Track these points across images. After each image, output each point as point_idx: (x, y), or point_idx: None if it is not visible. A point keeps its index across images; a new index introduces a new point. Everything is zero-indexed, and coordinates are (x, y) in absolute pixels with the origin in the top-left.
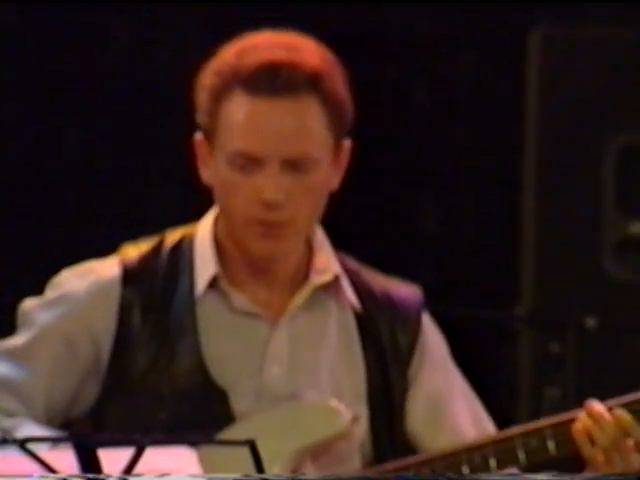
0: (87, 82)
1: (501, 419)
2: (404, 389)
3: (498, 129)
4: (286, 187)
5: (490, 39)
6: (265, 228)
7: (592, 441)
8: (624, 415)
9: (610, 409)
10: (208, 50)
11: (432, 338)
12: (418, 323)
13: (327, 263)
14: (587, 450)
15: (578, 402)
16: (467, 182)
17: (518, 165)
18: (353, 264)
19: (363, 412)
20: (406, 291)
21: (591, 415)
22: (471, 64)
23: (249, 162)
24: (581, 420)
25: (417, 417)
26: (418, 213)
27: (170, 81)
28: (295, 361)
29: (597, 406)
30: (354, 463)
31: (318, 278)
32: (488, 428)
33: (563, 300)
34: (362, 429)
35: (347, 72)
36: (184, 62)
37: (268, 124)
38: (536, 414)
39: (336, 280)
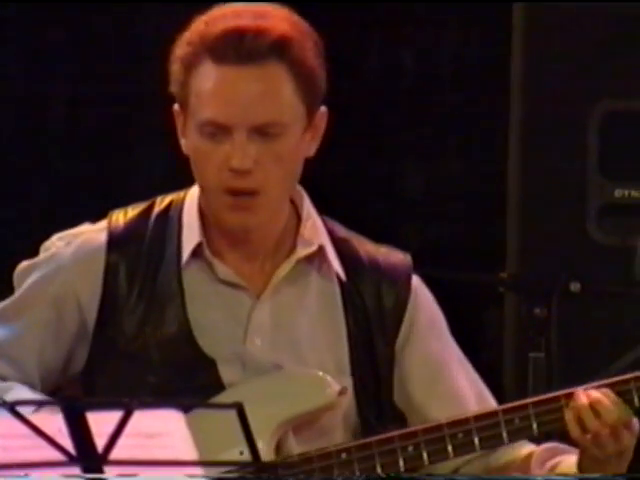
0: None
1: (487, 382)
2: (390, 358)
3: (484, 97)
4: (254, 155)
5: (476, 7)
6: (235, 199)
7: (584, 427)
8: (619, 401)
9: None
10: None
11: (425, 303)
12: (407, 288)
13: (313, 233)
14: (577, 434)
15: (562, 366)
16: (453, 148)
17: (503, 132)
18: (342, 232)
19: (347, 384)
20: (396, 257)
21: (588, 401)
22: (457, 32)
23: (218, 130)
24: (575, 407)
25: (413, 384)
26: (404, 179)
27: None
28: (277, 334)
29: (594, 393)
30: (336, 436)
31: (302, 250)
32: (486, 394)
33: (548, 265)
34: (346, 401)
35: (332, 41)
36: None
37: (234, 92)
38: (521, 378)
39: (320, 251)
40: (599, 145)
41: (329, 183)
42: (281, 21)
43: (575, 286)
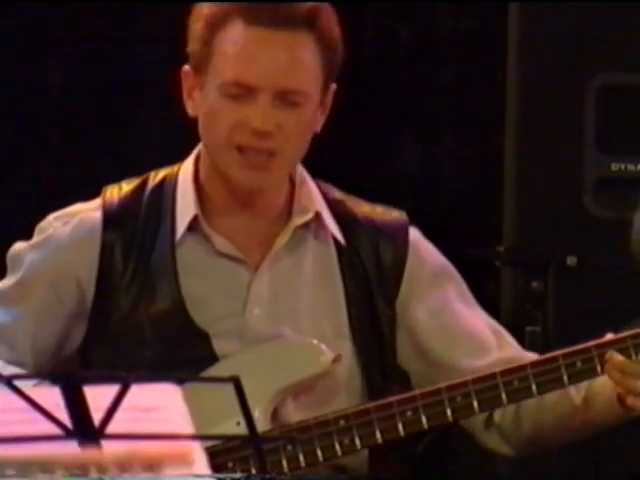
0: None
1: None
2: (392, 316)
3: (481, 71)
4: (277, 118)
5: None
6: (252, 157)
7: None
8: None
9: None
10: None
11: (425, 256)
12: (405, 242)
13: (309, 199)
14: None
15: (559, 339)
16: (450, 122)
17: (500, 106)
18: (337, 194)
19: (347, 349)
20: (391, 215)
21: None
22: (454, 8)
23: (242, 91)
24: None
25: (430, 337)
26: (402, 153)
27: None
28: (275, 303)
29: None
30: (337, 403)
31: (299, 218)
32: (502, 331)
33: (544, 238)
34: (347, 367)
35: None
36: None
37: (265, 55)
38: None
39: (317, 217)
40: (595, 119)
41: (328, 159)
42: None
43: (571, 260)
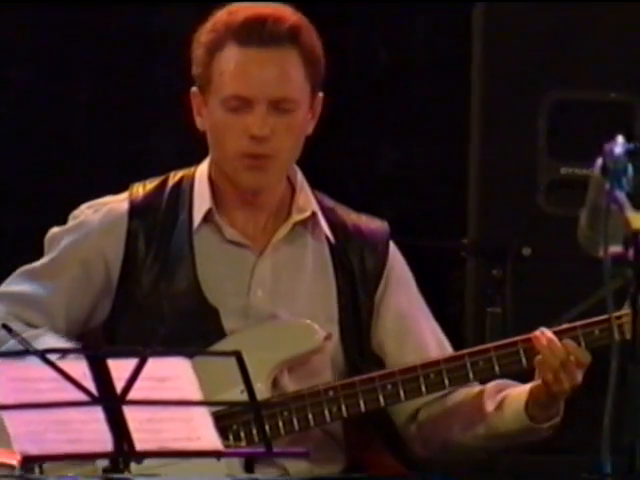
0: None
1: (451, 333)
2: (370, 309)
3: (448, 87)
4: (271, 124)
5: (442, 9)
6: (252, 160)
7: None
8: (569, 340)
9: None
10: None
11: (398, 265)
12: (385, 251)
13: (306, 202)
14: (543, 371)
15: (515, 319)
16: (421, 131)
17: (465, 117)
18: (329, 202)
19: (335, 331)
20: (375, 225)
21: (544, 341)
22: (425, 30)
23: (240, 103)
24: (539, 345)
25: (386, 333)
26: (379, 158)
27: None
28: (276, 286)
29: (548, 333)
30: (326, 376)
31: (298, 215)
32: (445, 343)
33: (503, 232)
34: (333, 346)
35: (321, 36)
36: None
37: (257, 71)
38: (481, 329)
39: (313, 216)
40: (547, 129)
41: (317, 161)
42: (292, 13)
43: (526, 250)
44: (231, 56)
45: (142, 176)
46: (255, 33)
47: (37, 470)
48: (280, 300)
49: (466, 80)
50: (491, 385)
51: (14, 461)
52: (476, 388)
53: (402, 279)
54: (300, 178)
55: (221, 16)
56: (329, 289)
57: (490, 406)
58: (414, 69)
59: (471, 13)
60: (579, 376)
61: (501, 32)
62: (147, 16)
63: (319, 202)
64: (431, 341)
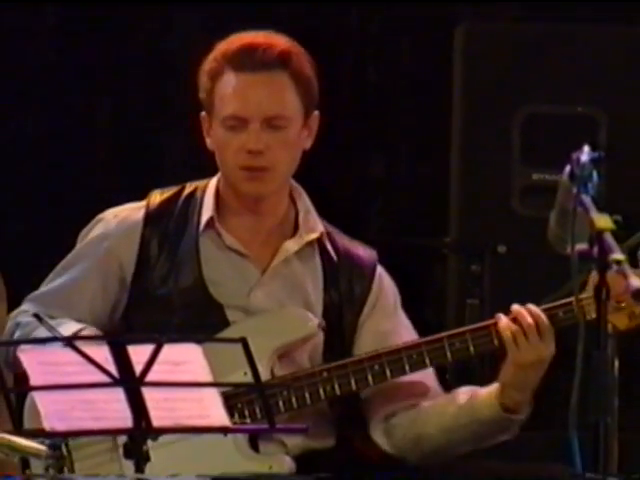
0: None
1: (434, 322)
2: (354, 328)
3: (431, 101)
4: (265, 140)
5: (426, 32)
6: (251, 172)
7: (514, 338)
8: (535, 310)
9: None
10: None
11: (384, 292)
12: (372, 277)
13: (315, 223)
14: (509, 345)
15: (492, 309)
16: (407, 142)
17: (448, 128)
18: (328, 226)
19: (320, 336)
20: (364, 252)
21: (515, 316)
22: (410, 52)
23: (237, 123)
24: (504, 321)
25: (365, 350)
26: (370, 165)
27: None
28: (274, 293)
29: (514, 306)
30: (317, 361)
31: (307, 236)
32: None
33: (481, 231)
34: (316, 346)
35: (318, 61)
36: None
37: (250, 93)
38: (460, 319)
39: (322, 237)
40: (520, 140)
41: (316, 168)
42: (284, 41)
43: (502, 248)
44: (228, 81)
45: (157, 184)
46: (248, 60)
47: (64, 447)
48: (276, 303)
49: (448, 95)
50: (463, 388)
51: (43, 447)
52: (447, 394)
53: (387, 303)
54: (305, 200)
55: (220, 46)
56: (317, 302)
57: (462, 399)
58: (400, 86)
59: (452, 35)
60: (541, 348)
61: (479, 52)
62: (161, 36)
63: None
64: None
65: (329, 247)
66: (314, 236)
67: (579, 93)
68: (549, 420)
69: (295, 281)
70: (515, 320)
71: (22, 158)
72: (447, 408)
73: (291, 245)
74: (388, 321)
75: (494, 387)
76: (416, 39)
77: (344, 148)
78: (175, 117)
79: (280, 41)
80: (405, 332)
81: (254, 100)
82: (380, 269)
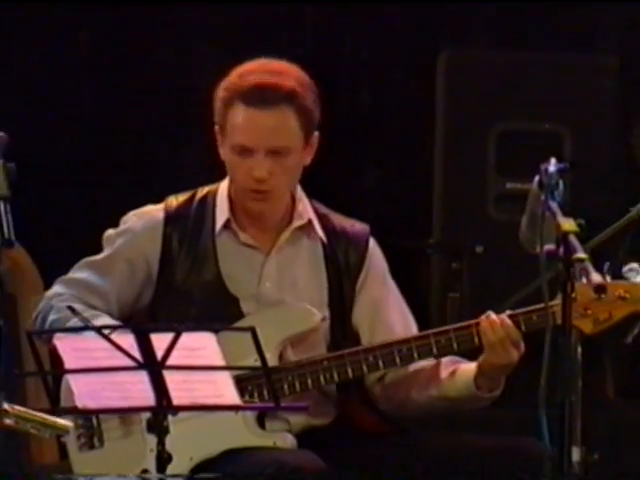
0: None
1: (420, 314)
2: (352, 297)
3: (417, 119)
4: (268, 168)
5: (412, 59)
6: (255, 194)
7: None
8: (508, 322)
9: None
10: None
11: (376, 261)
12: (366, 249)
13: (304, 211)
14: (488, 348)
15: (471, 302)
16: (396, 155)
17: (431, 144)
18: (324, 209)
19: (326, 315)
20: (358, 227)
21: (488, 321)
22: (400, 78)
23: (245, 150)
24: (484, 326)
25: (362, 317)
26: (364, 176)
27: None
28: (280, 279)
29: (492, 315)
30: (319, 350)
31: (297, 222)
32: (411, 325)
33: (461, 233)
34: (326, 327)
35: (319, 85)
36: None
37: (257, 126)
38: (443, 310)
39: (309, 222)
40: (495, 153)
41: (318, 178)
42: (291, 78)
43: (479, 248)
44: (239, 112)
45: (174, 190)
46: (257, 97)
47: (94, 420)
48: (284, 289)
49: (432, 114)
50: (446, 359)
51: (70, 424)
52: (432, 361)
53: (379, 272)
54: (299, 191)
55: (233, 78)
56: (321, 281)
57: (444, 374)
58: (390, 107)
59: (436, 61)
60: (513, 354)
61: (459, 77)
62: (180, 56)
63: (315, 209)
64: (398, 324)
65: (318, 231)
66: (301, 222)
67: (546, 112)
68: (521, 398)
69: (293, 265)
70: (494, 326)
71: (59, 166)
72: (430, 380)
73: (284, 235)
74: (379, 289)
75: (472, 368)
76: (404, 65)
77: (341, 162)
78: (189, 133)
79: (288, 79)
80: (394, 302)
81: (260, 133)
82: (373, 242)
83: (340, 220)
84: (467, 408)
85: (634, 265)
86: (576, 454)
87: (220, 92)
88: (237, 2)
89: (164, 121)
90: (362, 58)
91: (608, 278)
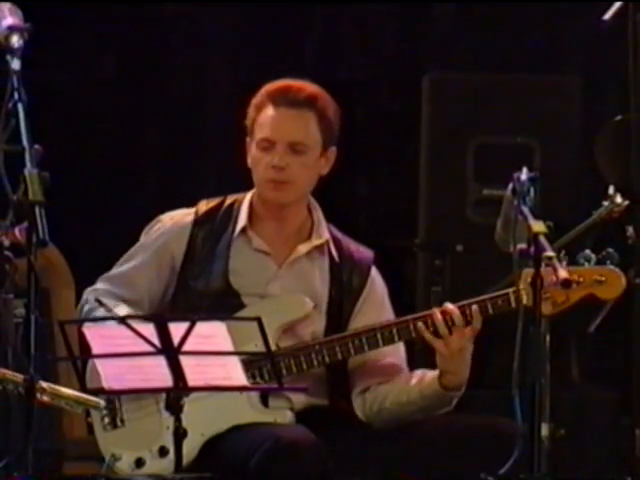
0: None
1: (406, 305)
2: (350, 314)
3: (405, 133)
4: (288, 160)
5: (400, 80)
6: (275, 184)
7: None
8: (473, 310)
9: (461, 307)
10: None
11: (376, 286)
12: (368, 274)
13: (323, 231)
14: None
15: (452, 295)
16: (385, 166)
17: (417, 155)
18: (336, 231)
19: (323, 321)
20: (364, 254)
21: (444, 312)
22: (389, 97)
23: (268, 144)
24: (437, 315)
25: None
26: (357, 185)
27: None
28: (287, 285)
29: (449, 306)
30: (307, 339)
31: (316, 240)
32: (402, 355)
33: (443, 234)
34: (318, 329)
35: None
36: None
37: (281, 122)
38: (427, 302)
39: (327, 242)
40: (473, 163)
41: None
42: (315, 88)
43: (459, 247)
44: (267, 112)
45: (191, 193)
46: (283, 98)
47: (116, 402)
48: (288, 293)
49: (417, 129)
50: (418, 371)
51: (101, 401)
52: (408, 374)
53: (378, 297)
54: (319, 213)
55: (266, 86)
56: (324, 294)
57: (414, 381)
58: (380, 123)
59: (421, 82)
60: (463, 340)
61: (442, 95)
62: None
63: (330, 231)
64: (389, 349)
65: (333, 251)
66: (321, 241)
67: (518, 127)
68: (495, 380)
69: (304, 276)
70: (435, 321)
71: (90, 173)
72: (402, 389)
73: (303, 248)
74: (376, 313)
75: (436, 373)
76: (393, 86)
77: (336, 171)
78: (203, 146)
79: (311, 87)
80: None
81: (282, 128)
82: (374, 270)
83: (348, 243)
84: (437, 410)
85: (587, 252)
86: (545, 430)
87: (254, 99)
88: (246, 31)
89: (180, 132)
90: (356, 80)
91: (564, 264)
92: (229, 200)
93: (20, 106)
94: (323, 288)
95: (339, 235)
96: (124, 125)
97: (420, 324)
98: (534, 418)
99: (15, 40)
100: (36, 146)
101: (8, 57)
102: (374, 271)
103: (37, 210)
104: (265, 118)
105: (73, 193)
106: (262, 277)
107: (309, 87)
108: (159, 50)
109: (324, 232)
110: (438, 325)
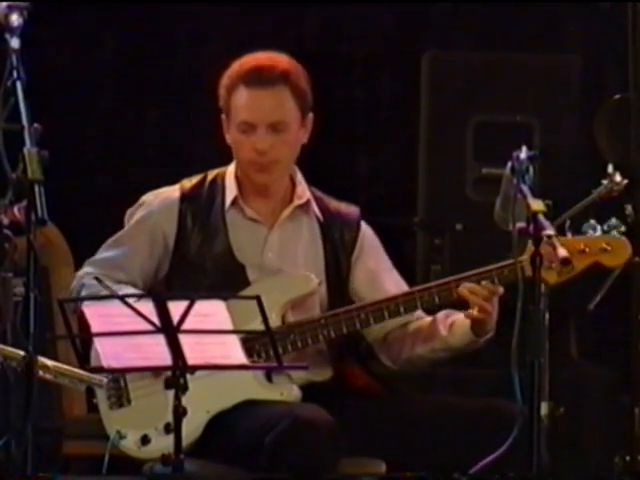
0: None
1: (406, 283)
2: (348, 268)
3: (404, 113)
4: (269, 141)
5: (400, 59)
6: (259, 166)
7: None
8: (486, 283)
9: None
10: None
11: (369, 237)
12: (358, 227)
13: (303, 192)
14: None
15: (451, 273)
16: (385, 143)
17: (416, 134)
18: (318, 193)
19: (323, 282)
20: (350, 209)
21: (466, 291)
22: (389, 76)
23: (248, 127)
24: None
25: (359, 287)
26: (356, 162)
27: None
28: (281, 250)
29: (467, 285)
30: (316, 311)
31: (297, 201)
32: (406, 289)
33: (443, 213)
34: (322, 293)
35: (316, 81)
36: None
37: (258, 104)
38: (426, 280)
39: (308, 202)
40: (473, 141)
41: (315, 165)
42: (285, 62)
43: (459, 226)
44: (241, 94)
45: (190, 172)
46: (256, 78)
47: (122, 382)
48: (284, 260)
49: (417, 108)
50: (440, 314)
51: (104, 379)
52: (428, 318)
53: (372, 246)
54: (299, 175)
55: (234, 67)
56: (319, 254)
57: (443, 330)
58: (380, 101)
59: (421, 60)
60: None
61: (441, 74)
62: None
63: (312, 192)
64: (392, 288)
65: (316, 210)
66: (301, 202)
67: (518, 106)
68: (495, 360)
69: (293, 239)
70: (474, 290)
71: (89, 151)
72: (432, 335)
73: (287, 211)
74: (374, 261)
75: (467, 322)
76: (393, 65)
77: (337, 150)
78: (201, 124)
79: (281, 62)
80: (389, 271)
81: (261, 110)
82: (364, 223)
83: (333, 203)
84: (466, 352)
85: (592, 222)
86: (544, 408)
87: (223, 80)
88: (246, 6)
89: (180, 109)
90: (356, 58)
91: (569, 234)
92: (211, 175)
93: (19, 85)
94: (317, 248)
95: (321, 195)
96: (123, 103)
97: (426, 296)
98: (533, 397)
99: (14, 18)
100: (35, 125)
101: (7, 35)
102: (364, 225)
103: (36, 189)
104: (240, 100)
105: (72, 171)
106: (258, 246)
107: (279, 62)
108: (158, 27)
109: (304, 192)
110: (478, 293)
